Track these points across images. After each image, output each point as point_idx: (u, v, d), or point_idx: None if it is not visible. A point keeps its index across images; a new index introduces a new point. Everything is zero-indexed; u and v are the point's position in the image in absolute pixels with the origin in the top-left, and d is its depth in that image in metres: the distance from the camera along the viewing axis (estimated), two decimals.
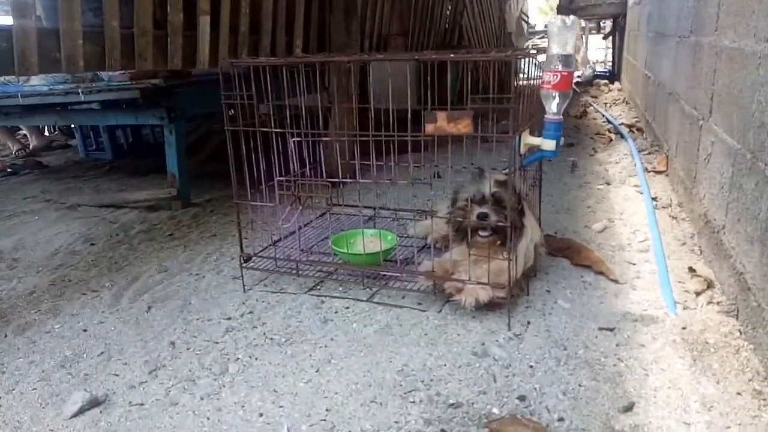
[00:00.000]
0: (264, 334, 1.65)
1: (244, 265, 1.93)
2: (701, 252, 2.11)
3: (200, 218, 2.79)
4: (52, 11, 2.00)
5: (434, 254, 1.84)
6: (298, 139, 1.69)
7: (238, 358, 1.53)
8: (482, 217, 1.61)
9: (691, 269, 1.93)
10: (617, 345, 1.51)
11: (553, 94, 1.52)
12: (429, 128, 1.53)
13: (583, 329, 1.60)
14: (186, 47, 2.28)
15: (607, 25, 9.49)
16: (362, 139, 1.69)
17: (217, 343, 1.62)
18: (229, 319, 1.75)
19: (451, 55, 1.59)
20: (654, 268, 2.03)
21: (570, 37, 1.48)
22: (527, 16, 7.65)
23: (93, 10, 2.09)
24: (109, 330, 1.73)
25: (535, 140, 1.59)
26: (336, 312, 1.75)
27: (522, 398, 1.31)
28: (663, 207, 2.61)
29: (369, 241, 1.97)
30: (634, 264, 2.08)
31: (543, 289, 1.85)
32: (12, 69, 1.79)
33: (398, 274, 1.83)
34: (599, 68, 9.99)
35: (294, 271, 1.94)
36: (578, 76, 8.88)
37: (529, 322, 1.64)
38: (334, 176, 1.91)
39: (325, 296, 1.85)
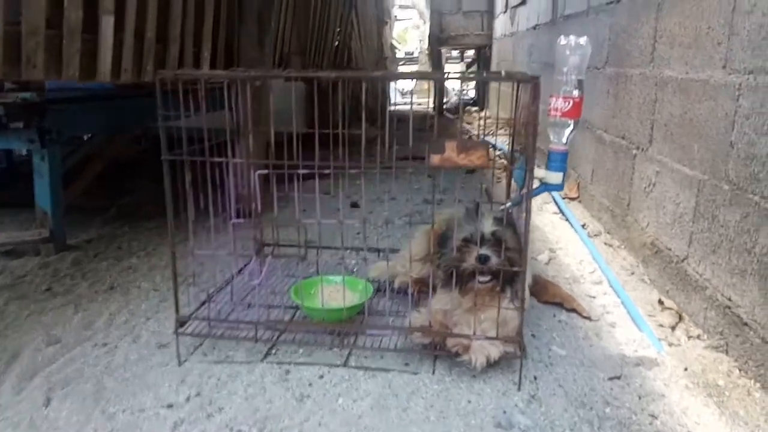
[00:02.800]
0: (227, 426, 1.28)
1: (180, 330, 1.52)
2: (652, 282, 2.11)
3: (85, 265, 2.25)
4: None
5: (412, 303, 1.59)
6: (266, 171, 1.35)
7: None
8: (483, 260, 1.40)
9: (660, 302, 1.91)
10: (639, 398, 1.39)
11: (568, 123, 1.38)
12: (435, 159, 1.30)
13: (593, 380, 1.46)
14: (84, 54, 1.80)
15: (470, 54, 10.00)
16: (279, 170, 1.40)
17: None
18: (171, 406, 1.35)
19: (454, 74, 1.38)
20: (615, 301, 1.98)
21: (584, 58, 1.35)
22: (398, 43, 7.75)
23: None
24: None
25: (539, 173, 1.43)
26: (310, 384, 1.43)
27: None
28: (594, 235, 2.62)
29: (335, 291, 1.66)
30: (594, 297, 2.01)
31: (528, 333, 1.69)
32: None
33: (383, 332, 1.55)
34: (464, 97, 10.47)
35: (237, 332, 1.57)
36: (445, 103, 9.20)
37: (536, 377, 1.46)
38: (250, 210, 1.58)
39: (288, 363, 1.52)
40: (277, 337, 1.60)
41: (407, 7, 14.91)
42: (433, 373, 1.47)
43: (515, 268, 1.40)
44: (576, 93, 1.38)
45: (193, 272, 1.60)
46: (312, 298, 1.67)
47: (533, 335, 1.69)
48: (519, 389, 1.40)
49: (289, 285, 1.83)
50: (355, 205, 3.11)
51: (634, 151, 2.37)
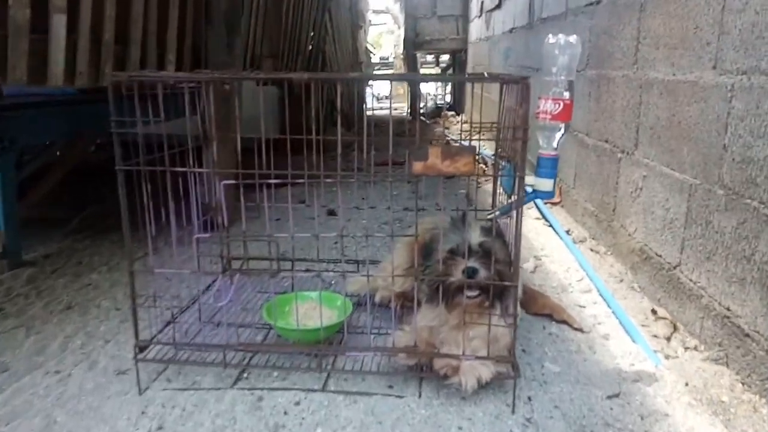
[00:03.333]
0: None
1: (139, 356, 1.38)
2: (642, 290, 2.04)
3: (40, 283, 2.08)
4: None
5: (395, 319, 1.48)
6: (233, 181, 1.22)
7: None
8: (471, 273, 1.30)
9: (654, 311, 1.83)
10: (641, 418, 1.29)
11: (558, 126, 1.29)
12: (417, 167, 1.19)
13: (591, 399, 1.36)
14: (33, 56, 1.65)
15: (445, 60, 9.97)
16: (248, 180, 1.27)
17: None
18: None
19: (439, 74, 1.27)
20: (606, 311, 1.90)
21: (574, 58, 1.27)
22: (373, 47, 7.67)
23: None
24: None
25: (527, 180, 1.34)
26: (285, 412, 1.30)
27: None
28: (579, 241, 2.55)
29: (310, 308, 1.54)
30: (583, 307, 1.93)
31: (518, 348, 1.59)
32: None
33: (364, 353, 1.43)
34: (440, 101, 10.43)
35: (205, 355, 1.44)
36: (421, 108, 9.14)
37: (530, 398, 1.36)
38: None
39: (261, 389, 1.39)
40: (249, 361, 1.48)
41: (381, 11, 14.87)
42: (420, 396, 1.36)
43: (505, 282, 1.30)
44: (566, 94, 1.30)
45: (154, 293, 1.45)
46: (286, 317, 1.55)
47: (524, 350, 1.59)
48: (513, 412, 1.30)
49: (261, 302, 1.70)
50: (332, 213, 3.00)
51: (619, 155, 2.30)
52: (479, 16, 6.81)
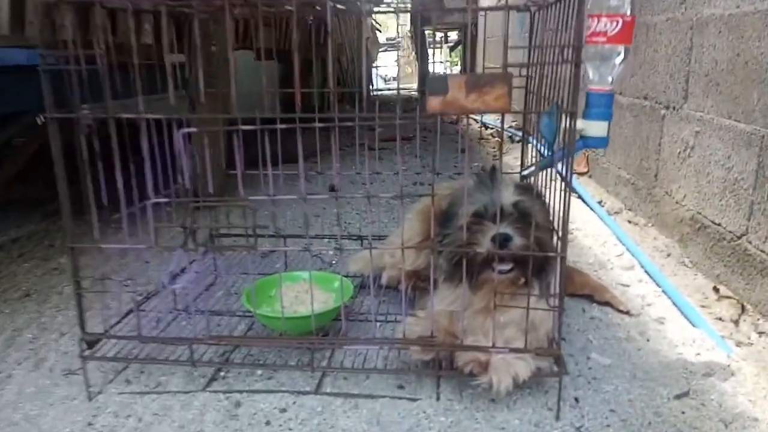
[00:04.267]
0: None
1: (87, 353, 1.11)
2: (695, 265, 1.74)
3: (2, 268, 1.82)
4: None
5: (406, 304, 1.19)
6: (190, 130, 0.93)
7: None
8: (503, 241, 1.01)
9: (716, 289, 1.53)
10: (725, 425, 1.01)
11: (617, 50, 0.99)
12: (434, 104, 0.90)
13: (655, 400, 1.08)
14: None
15: (454, 38, 9.58)
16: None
17: None
18: None
19: None
20: (655, 289, 1.61)
21: None
22: (380, 25, 7.33)
23: None
24: None
25: (578, 123, 1.04)
26: (267, 422, 1.03)
27: None
28: (615, 213, 2.25)
29: (302, 292, 1.26)
30: (627, 286, 1.64)
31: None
32: None
33: (367, 346, 1.14)
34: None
35: (170, 352, 1.17)
36: None
37: (578, 400, 1.07)
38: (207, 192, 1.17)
39: (240, 392, 1.12)
40: (228, 357, 1.20)
41: None
42: (438, 399, 1.07)
43: (548, 253, 1.01)
44: (626, 9, 0.99)
45: (102, 275, 1.18)
46: (273, 303, 1.27)
47: (564, 339, 1.31)
48: (558, 418, 1.02)
49: (245, 285, 1.43)
50: (333, 189, 2.73)
51: (663, 112, 1.99)
52: None
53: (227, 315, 1.36)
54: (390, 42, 12.52)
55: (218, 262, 1.63)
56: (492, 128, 4.70)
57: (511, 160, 3.31)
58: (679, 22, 1.87)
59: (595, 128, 1.03)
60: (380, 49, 10.19)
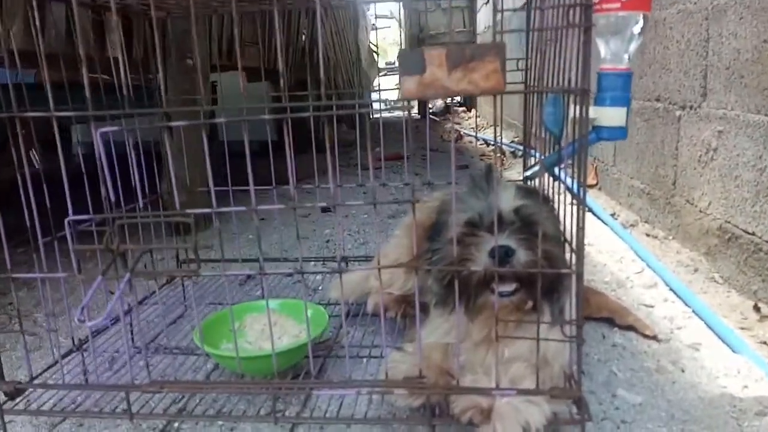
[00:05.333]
0: None
1: (6, 406, 0.92)
2: (726, 280, 1.54)
3: None
4: None
5: (395, 334, 1.00)
6: (111, 129, 0.75)
7: None
8: (504, 256, 0.82)
9: (756, 308, 1.33)
10: None
11: (635, 18, 0.81)
12: (409, 85, 0.72)
13: None
14: None
15: None
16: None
17: None
18: None
19: None
20: (684, 310, 1.41)
21: None
22: (377, 47, 7.24)
23: None
24: None
25: (590, 111, 0.85)
26: None
27: None
28: (630, 226, 2.05)
29: (274, 324, 1.07)
30: (651, 306, 1.44)
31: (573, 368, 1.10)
32: None
33: (338, 390, 0.94)
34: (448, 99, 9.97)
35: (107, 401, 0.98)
36: (431, 107, 8.71)
37: None
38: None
39: None
40: (186, 402, 1.01)
41: (386, 17, 14.49)
42: None
43: (560, 270, 0.82)
44: None
45: (18, 309, 1.00)
46: (241, 337, 1.07)
47: (582, 372, 1.11)
48: None
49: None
50: (326, 210, 2.56)
51: (678, 113, 1.81)
52: (486, 3, 6.36)
53: (187, 353, 1.17)
54: (390, 66, 12.51)
55: (188, 292, 1.45)
56: (493, 145, 4.55)
57: (514, 174, 3.13)
58: (692, 13, 1.71)
59: (610, 116, 0.85)
60: (380, 74, 10.14)
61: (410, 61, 0.72)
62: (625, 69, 0.85)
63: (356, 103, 0.87)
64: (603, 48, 0.86)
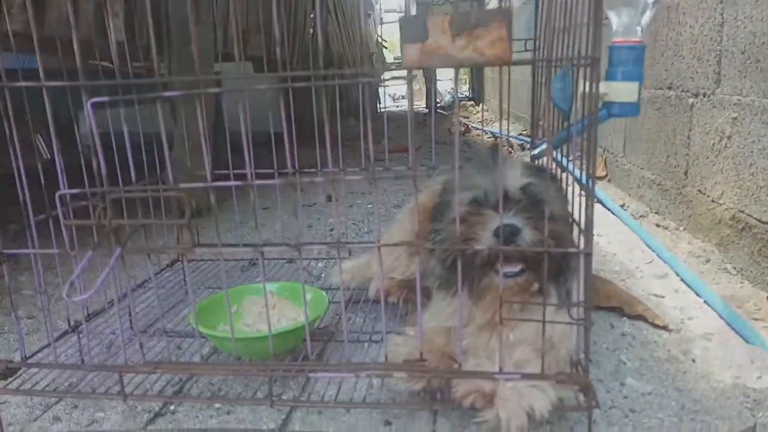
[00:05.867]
0: None
1: (3, 386, 0.90)
2: (739, 271, 1.50)
3: None
4: None
5: (398, 317, 0.97)
6: (102, 99, 0.73)
7: None
8: (510, 235, 0.79)
9: None
10: None
11: None
12: (410, 53, 0.69)
13: None
14: None
15: None
16: None
17: None
18: None
19: None
20: (695, 300, 1.37)
21: None
22: (385, 41, 7.21)
23: None
24: None
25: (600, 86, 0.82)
26: None
27: None
28: (640, 216, 2.01)
29: (272, 307, 1.04)
30: (662, 297, 1.40)
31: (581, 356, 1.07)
32: None
33: (344, 374, 0.91)
34: (458, 94, 9.94)
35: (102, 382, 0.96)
36: (439, 102, 8.66)
37: None
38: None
39: (188, 431, 0.90)
40: (182, 386, 0.99)
41: (394, 11, 14.42)
42: None
43: (568, 249, 0.79)
44: None
45: (10, 287, 0.98)
46: (236, 320, 1.05)
47: (590, 361, 1.07)
48: None
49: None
50: (330, 199, 2.54)
51: (691, 100, 1.77)
52: None
53: (184, 337, 1.15)
54: (398, 61, 12.46)
55: (188, 276, 1.43)
56: (500, 138, 4.50)
57: None
58: None
59: (622, 91, 0.82)
60: (389, 68, 10.03)
61: (412, 28, 0.69)
62: (637, 42, 0.82)
63: (359, 72, 0.84)
64: (615, 20, 0.83)
